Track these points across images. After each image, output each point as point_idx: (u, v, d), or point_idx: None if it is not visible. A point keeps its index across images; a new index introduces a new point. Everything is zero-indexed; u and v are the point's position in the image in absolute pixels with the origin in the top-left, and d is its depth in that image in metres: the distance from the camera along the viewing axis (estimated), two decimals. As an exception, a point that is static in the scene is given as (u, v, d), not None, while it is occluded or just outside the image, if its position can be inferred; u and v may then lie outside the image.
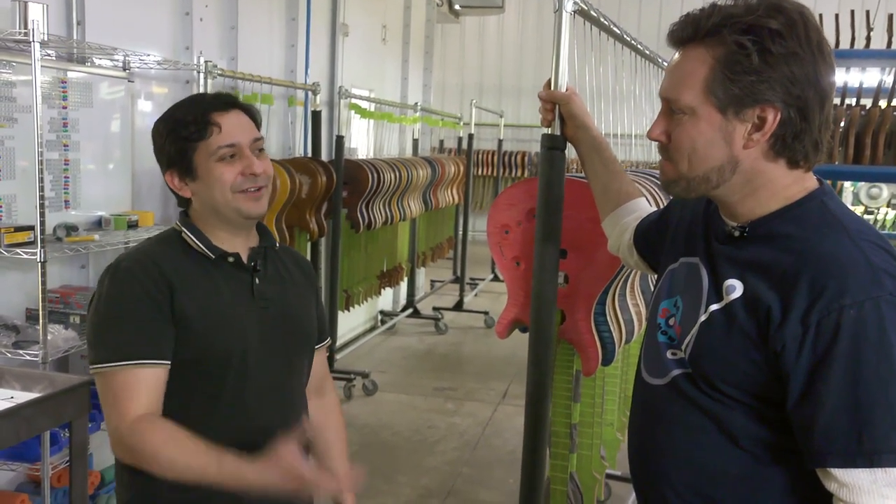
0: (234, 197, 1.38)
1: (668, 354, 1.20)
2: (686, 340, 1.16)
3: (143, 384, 1.33)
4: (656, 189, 2.26)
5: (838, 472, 1.01)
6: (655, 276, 1.42)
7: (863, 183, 6.38)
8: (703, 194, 1.16)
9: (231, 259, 1.42)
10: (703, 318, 1.14)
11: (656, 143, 1.20)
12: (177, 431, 1.30)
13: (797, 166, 1.11)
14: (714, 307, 1.13)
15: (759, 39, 1.04)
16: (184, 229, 1.43)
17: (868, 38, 3.13)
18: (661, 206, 2.09)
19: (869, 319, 0.99)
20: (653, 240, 1.47)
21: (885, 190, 6.76)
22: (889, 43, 3.09)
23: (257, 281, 1.44)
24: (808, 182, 1.13)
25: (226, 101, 1.41)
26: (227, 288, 1.42)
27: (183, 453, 1.28)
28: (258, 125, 1.46)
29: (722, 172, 1.12)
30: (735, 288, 1.11)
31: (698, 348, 1.14)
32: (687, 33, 1.11)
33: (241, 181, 1.38)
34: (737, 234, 1.14)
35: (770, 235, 1.11)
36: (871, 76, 3.05)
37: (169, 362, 1.35)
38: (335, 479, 1.39)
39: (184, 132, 1.38)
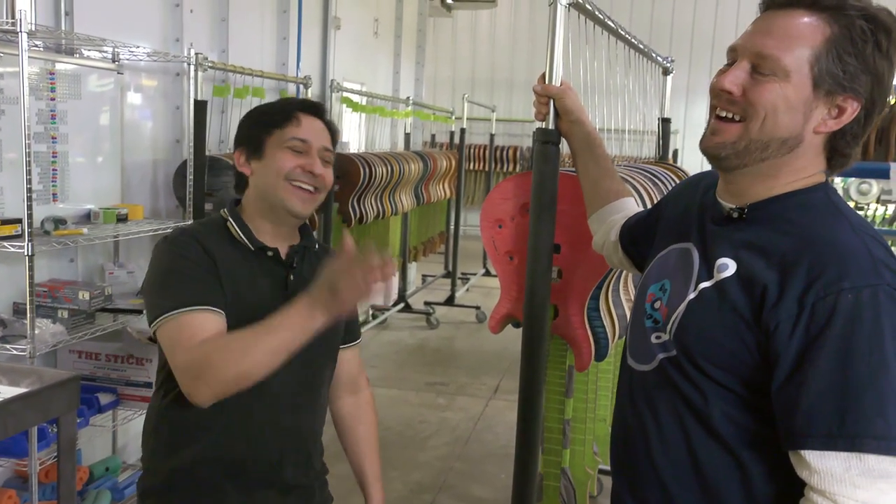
0: (285, 186, 1.44)
1: (653, 338, 1.19)
2: (671, 320, 1.15)
3: (208, 323, 1.34)
4: (650, 184, 2.25)
5: (813, 457, 0.99)
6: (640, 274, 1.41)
7: (853, 178, 6.39)
8: (746, 165, 1.12)
9: (270, 253, 1.47)
10: (691, 296, 1.13)
11: (721, 96, 1.12)
12: (235, 333, 1.32)
13: (829, 164, 1.13)
14: (704, 285, 1.12)
15: (875, 31, 1.04)
16: (229, 218, 1.48)
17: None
18: (653, 202, 2.09)
19: (865, 306, 0.98)
20: (640, 237, 1.46)
21: (874, 186, 6.78)
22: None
23: (292, 277, 1.48)
24: (817, 177, 1.14)
25: (315, 107, 1.52)
26: (263, 280, 1.46)
27: (248, 336, 1.29)
28: (335, 143, 1.53)
29: (783, 145, 1.09)
30: (727, 266, 1.10)
31: (683, 327, 1.13)
32: None
33: (298, 173, 1.45)
34: (735, 215, 1.14)
35: (771, 218, 1.11)
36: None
37: (225, 317, 1.37)
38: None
39: (267, 118, 1.48)
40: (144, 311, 1.44)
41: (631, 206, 1.62)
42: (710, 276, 1.12)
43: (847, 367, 0.98)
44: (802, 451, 1.01)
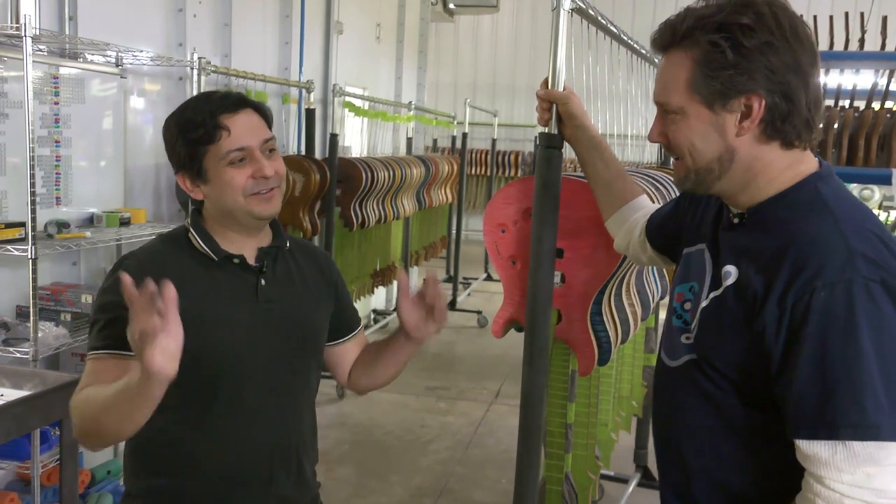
0: (247, 201, 1.37)
1: (682, 339, 1.25)
2: (693, 325, 1.22)
3: (107, 371, 1.29)
4: (652, 189, 2.25)
5: (804, 444, 1.06)
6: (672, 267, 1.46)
7: (855, 184, 6.40)
8: (710, 187, 1.20)
9: (236, 260, 1.41)
10: (703, 304, 1.20)
11: (660, 144, 1.25)
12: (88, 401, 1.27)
13: (792, 146, 1.15)
14: (713, 294, 1.19)
15: (731, 35, 1.10)
16: (191, 229, 1.41)
17: (862, 40, 3.13)
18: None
19: (838, 301, 1.03)
20: (670, 231, 1.47)
21: (877, 192, 6.77)
22: (883, 45, 3.09)
23: (263, 282, 1.42)
24: (804, 165, 1.17)
25: (235, 101, 1.38)
26: (229, 289, 1.40)
27: (94, 391, 1.25)
28: (270, 123, 1.43)
29: (722, 162, 1.16)
30: (731, 274, 1.16)
31: (701, 333, 1.20)
32: (665, 39, 1.18)
33: (252, 184, 1.36)
34: (736, 220, 1.20)
35: (764, 221, 1.16)
36: (864, 78, 3.05)
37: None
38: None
39: (193, 135, 1.35)
40: None
41: (647, 203, 1.65)
42: (717, 285, 1.18)
43: (824, 362, 1.04)
44: (796, 440, 1.08)
